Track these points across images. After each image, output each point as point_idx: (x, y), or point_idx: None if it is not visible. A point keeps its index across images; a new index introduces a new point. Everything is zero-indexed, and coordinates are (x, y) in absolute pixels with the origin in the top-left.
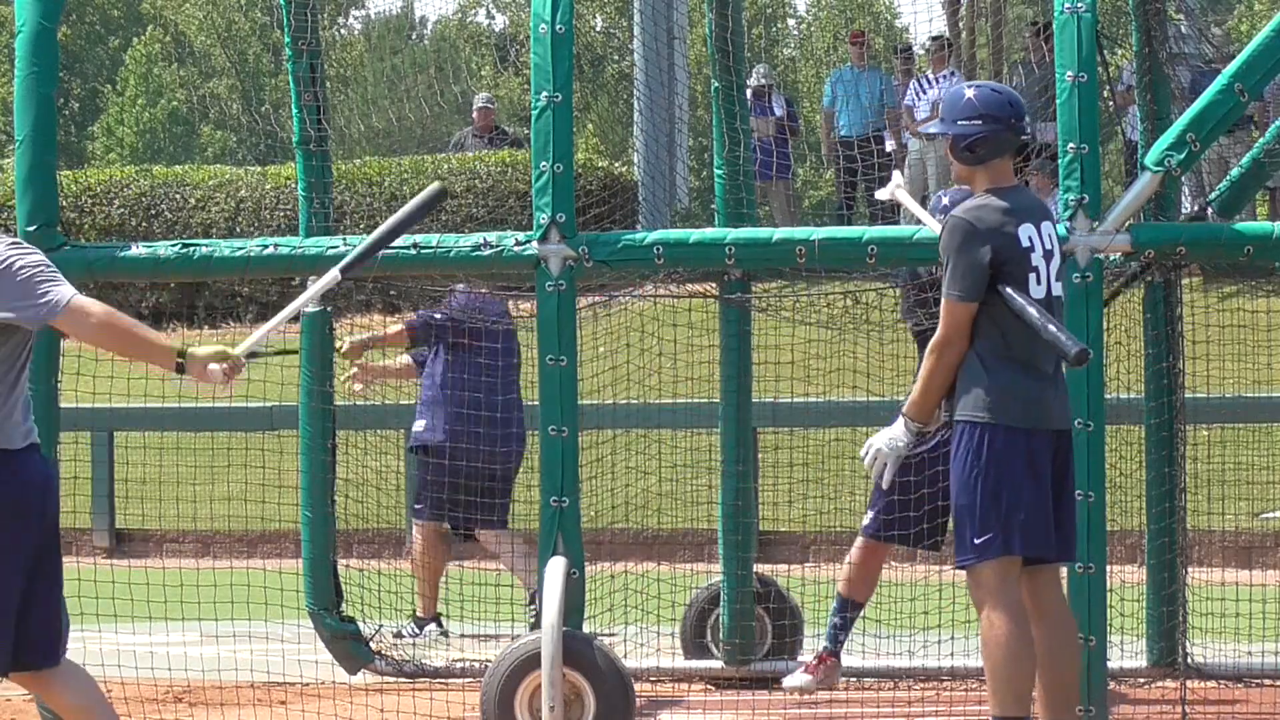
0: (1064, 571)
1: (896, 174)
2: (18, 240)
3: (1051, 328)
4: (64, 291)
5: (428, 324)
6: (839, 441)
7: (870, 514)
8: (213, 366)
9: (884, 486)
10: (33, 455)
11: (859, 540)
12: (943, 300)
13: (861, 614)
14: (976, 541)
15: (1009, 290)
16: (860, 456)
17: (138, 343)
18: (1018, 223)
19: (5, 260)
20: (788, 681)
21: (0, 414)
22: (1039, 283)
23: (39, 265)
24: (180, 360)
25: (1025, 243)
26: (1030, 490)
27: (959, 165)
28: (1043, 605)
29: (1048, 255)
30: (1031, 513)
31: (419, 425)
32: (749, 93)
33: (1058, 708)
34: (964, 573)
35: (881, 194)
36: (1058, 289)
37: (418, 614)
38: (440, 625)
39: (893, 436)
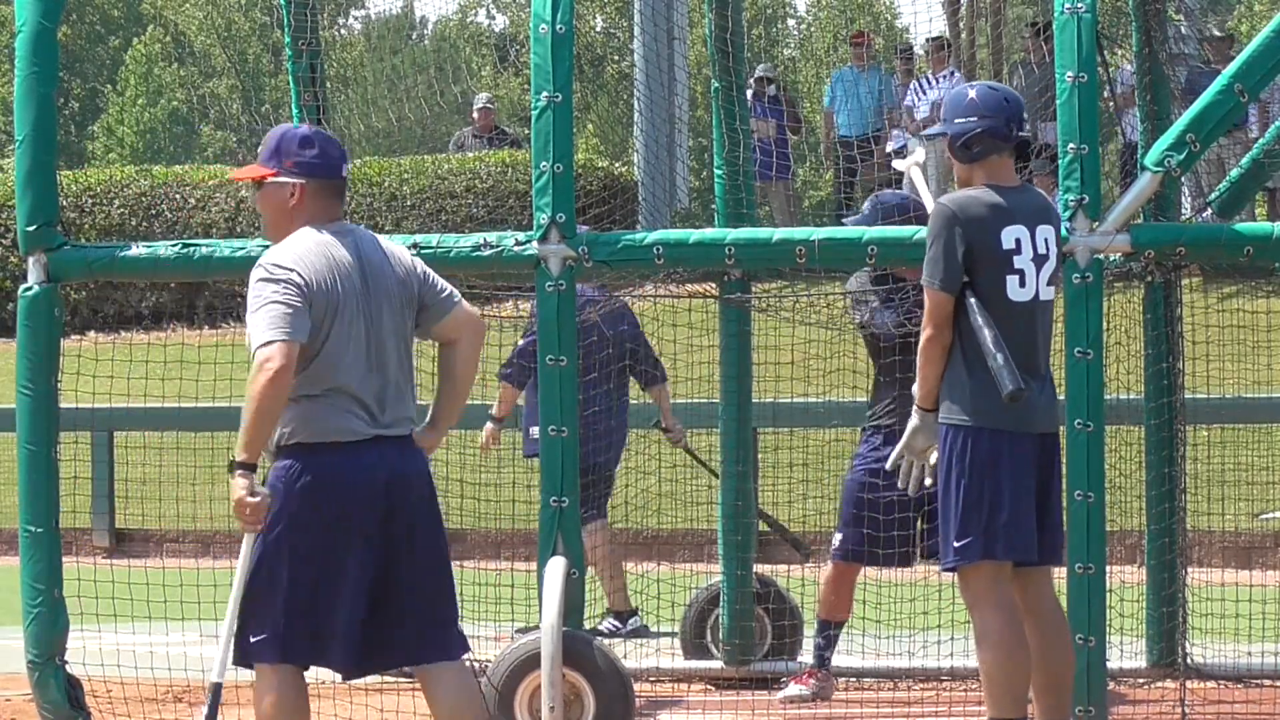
0: (1056, 571)
1: (919, 150)
2: (264, 264)
3: (1000, 357)
4: (259, 341)
5: (512, 376)
6: (839, 441)
7: (838, 536)
8: (238, 494)
9: (918, 494)
10: (328, 452)
11: (828, 563)
12: (925, 288)
13: (860, 617)
14: (956, 545)
15: (973, 304)
16: (890, 469)
17: (245, 427)
18: (1004, 223)
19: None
20: (781, 695)
21: (305, 409)
22: (1023, 285)
23: (256, 298)
24: (232, 462)
25: (1009, 244)
26: (1012, 494)
27: (958, 164)
28: (1032, 605)
29: (1040, 259)
30: (1014, 517)
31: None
32: (751, 84)
33: (1052, 708)
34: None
35: (900, 164)
36: (1048, 293)
37: (614, 609)
38: (638, 616)
39: (908, 431)
